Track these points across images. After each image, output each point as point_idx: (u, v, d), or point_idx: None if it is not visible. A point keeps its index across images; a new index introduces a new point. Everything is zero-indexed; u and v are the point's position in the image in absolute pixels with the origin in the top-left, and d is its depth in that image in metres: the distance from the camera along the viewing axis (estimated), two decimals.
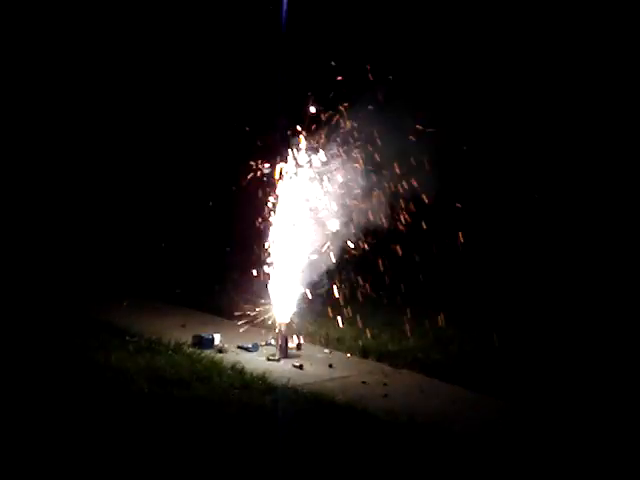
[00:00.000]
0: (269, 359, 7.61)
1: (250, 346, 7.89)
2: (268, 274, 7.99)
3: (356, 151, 7.74)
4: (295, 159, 7.80)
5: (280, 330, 7.80)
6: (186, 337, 8.02)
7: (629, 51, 10.90)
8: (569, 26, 11.24)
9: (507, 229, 11.09)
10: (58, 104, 12.97)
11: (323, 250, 7.82)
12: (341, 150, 7.73)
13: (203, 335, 7.96)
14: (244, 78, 12.56)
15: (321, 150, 7.74)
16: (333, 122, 7.76)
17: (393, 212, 7.93)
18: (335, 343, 8.19)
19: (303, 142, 7.79)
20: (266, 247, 7.95)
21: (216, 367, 7.12)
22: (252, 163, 7.99)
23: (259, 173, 7.97)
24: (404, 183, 7.86)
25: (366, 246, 7.97)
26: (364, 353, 7.88)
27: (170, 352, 7.51)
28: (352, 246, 7.87)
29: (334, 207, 7.73)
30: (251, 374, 6.91)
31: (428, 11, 11.61)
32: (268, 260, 7.97)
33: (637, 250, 10.23)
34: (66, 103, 13.02)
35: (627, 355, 7.53)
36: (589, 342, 7.92)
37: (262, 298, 8.24)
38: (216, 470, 4.97)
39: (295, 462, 5.03)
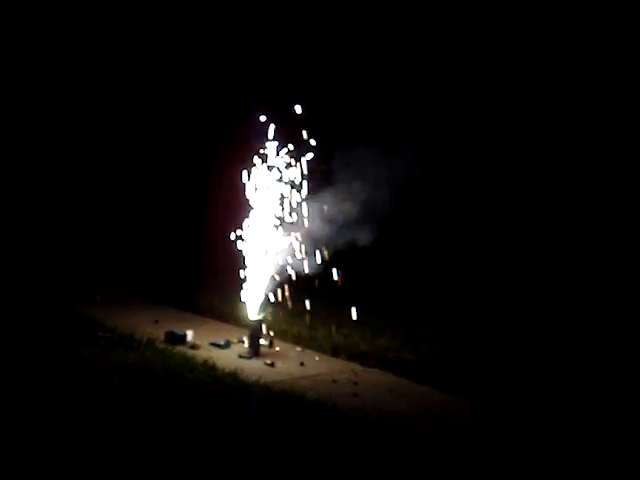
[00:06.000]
0: (241, 356, 7.63)
1: (222, 343, 7.92)
2: (241, 272, 8.03)
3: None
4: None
5: (252, 328, 7.85)
6: (159, 333, 8.02)
7: (629, 51, 10.92)
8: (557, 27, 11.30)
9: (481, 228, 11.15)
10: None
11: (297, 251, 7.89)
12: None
13: (175, 331, 7.97)
14: (220, 70, 12.68)
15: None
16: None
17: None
18: (307, 341, 8.23)
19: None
20: (240, 245, 7.99)
21: (188, 363, 7.14)
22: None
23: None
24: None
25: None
26: (335, 352, 7.93)
27: (142, 348, 7.52)
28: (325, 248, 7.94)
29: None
30: (222, 371, 6.95)
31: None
32: (241, 258, 8.01)
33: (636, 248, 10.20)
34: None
35: (608, 357, 7.59)
36: (566, 344, 7.99)
37: (235, 295, 8.27)
38: (186, 464, 5.00)
39: (264, 457, 5.08)
